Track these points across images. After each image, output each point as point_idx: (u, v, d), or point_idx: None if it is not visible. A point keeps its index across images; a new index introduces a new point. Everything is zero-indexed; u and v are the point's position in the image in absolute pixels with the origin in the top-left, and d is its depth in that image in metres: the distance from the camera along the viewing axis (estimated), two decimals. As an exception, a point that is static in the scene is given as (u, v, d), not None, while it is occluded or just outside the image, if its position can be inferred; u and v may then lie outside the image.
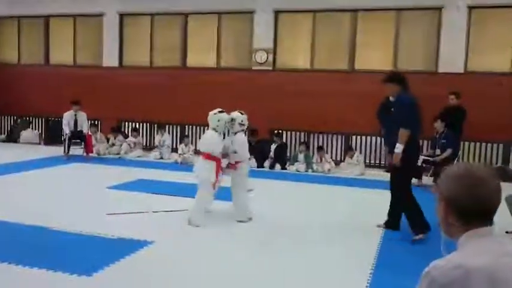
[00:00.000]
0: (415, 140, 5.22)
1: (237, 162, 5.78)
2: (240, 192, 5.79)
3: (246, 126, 5.91)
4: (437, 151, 8.32)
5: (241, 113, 5.85)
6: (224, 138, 5.82)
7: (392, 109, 5.25)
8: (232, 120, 5.75)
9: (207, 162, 5.48)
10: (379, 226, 5.52)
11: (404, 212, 5.31)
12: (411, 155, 5.20)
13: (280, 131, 10.62)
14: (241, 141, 5.81)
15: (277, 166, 9.86)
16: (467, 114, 8.80)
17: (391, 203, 5.50)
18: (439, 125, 8.35)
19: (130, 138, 11.27)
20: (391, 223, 5.47)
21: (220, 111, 5.70)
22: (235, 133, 5.80)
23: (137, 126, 12.09)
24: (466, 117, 8.83)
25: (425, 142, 9.61)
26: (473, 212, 1.39)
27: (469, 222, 1.40)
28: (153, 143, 11.61)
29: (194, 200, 5.55)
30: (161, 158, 10.74)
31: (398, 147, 5.06)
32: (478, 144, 9.79)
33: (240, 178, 5.82)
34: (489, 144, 9.76)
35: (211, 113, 5.69)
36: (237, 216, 5.69)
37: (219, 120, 5.61)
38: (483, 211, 1.40)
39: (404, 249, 4.91)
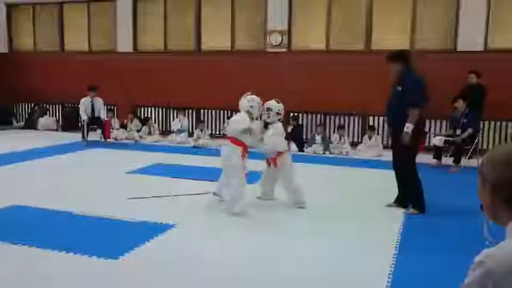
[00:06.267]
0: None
1: (274, 159, 5.54)
2: (291, 183, 5.53)
3: (282, 116, 5.64)
4: (458, 131, 8.19)
5: (278, 102, 5.58)
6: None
7: (399, 88, 5.25)
8: (269, 109, 5.53)
9: (233, 147, 5.25)
10: (389, 205, 5.53)
11: (410, 189, 5.34)
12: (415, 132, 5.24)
13: (296, 114, 10.54)
14: (277, 131, 5.54)
15: (293, 147, 9.80)
16: (488, 93, 8.66)
17: (399, 181, 5.49)
18: (460, 104, 8.20)
19: (145, 128, 11.31)
20: (402, 201, 5.49)
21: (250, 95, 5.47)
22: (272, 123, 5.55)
23: (152, 111, 12.13)
24: (486, 96, 8.69)
25: (444, 122, 9.51)
26: None
27: None
28: (169, 127, 11.64)
29: (230, 188, 5.23)
30: (179, 142, 10.76)
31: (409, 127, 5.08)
32: (498, 123, 9.63)
33: (283, 173, 5.56)
34: (510, 123, 9.59)
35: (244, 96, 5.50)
36: (293, 203, 5.54)
37: (251, 106, 5.38)
38: None
39: (426, 229, 4.89)
